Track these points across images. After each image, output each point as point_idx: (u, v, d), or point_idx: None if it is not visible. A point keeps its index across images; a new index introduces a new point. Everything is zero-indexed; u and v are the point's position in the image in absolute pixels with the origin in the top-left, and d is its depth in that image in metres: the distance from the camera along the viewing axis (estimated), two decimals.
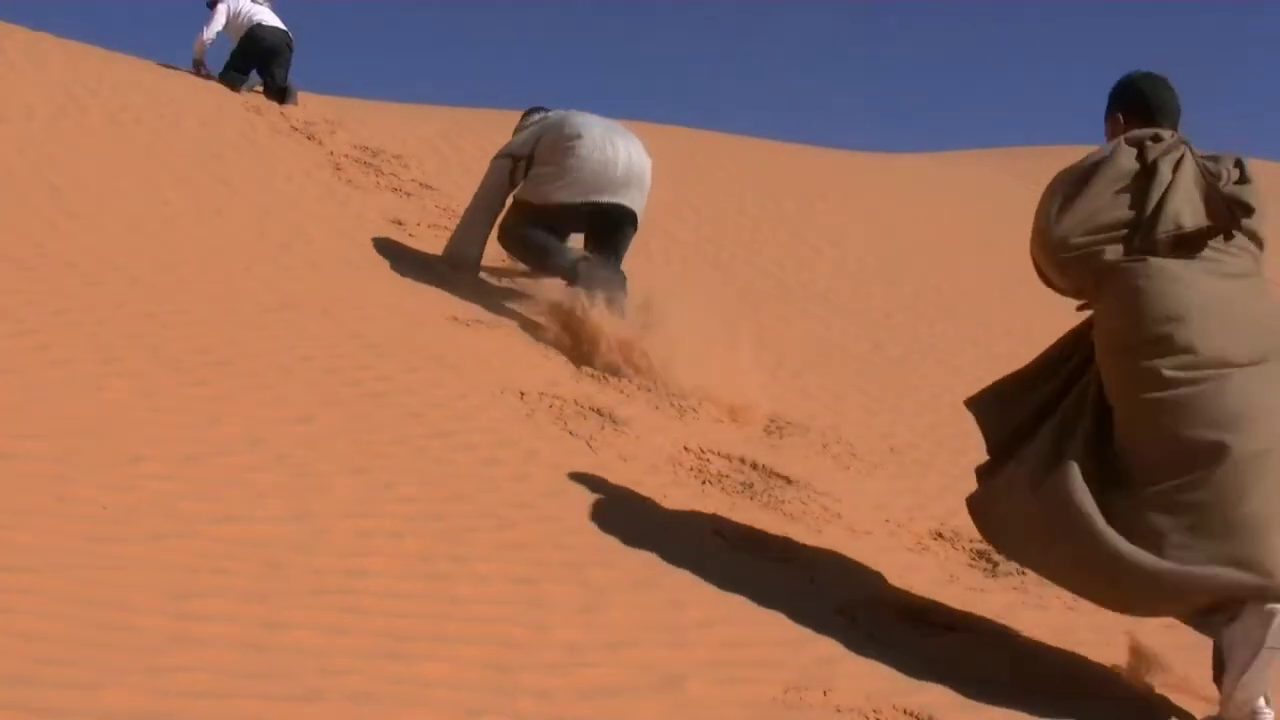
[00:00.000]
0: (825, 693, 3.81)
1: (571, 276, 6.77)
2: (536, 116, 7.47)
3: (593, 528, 4.64)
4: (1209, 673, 3.92)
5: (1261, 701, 3.71)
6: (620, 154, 6.96)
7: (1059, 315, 9.68)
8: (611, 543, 4.56)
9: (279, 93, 10.87)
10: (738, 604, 4.33)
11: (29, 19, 12.97)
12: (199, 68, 11.22)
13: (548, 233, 7.01)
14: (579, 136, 6.99)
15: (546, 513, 4.67)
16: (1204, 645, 3.94)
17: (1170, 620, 4.14)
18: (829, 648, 4.17)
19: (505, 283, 7.44)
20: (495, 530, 4.44)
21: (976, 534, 5.48)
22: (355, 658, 3.43)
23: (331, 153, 9.29)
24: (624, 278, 6.86)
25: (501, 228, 7.28)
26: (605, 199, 6.93)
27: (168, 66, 11.09)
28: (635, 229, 7.12)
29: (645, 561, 4.48)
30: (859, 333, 8.57)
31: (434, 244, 7.88)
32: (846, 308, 9.08)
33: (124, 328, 5.39)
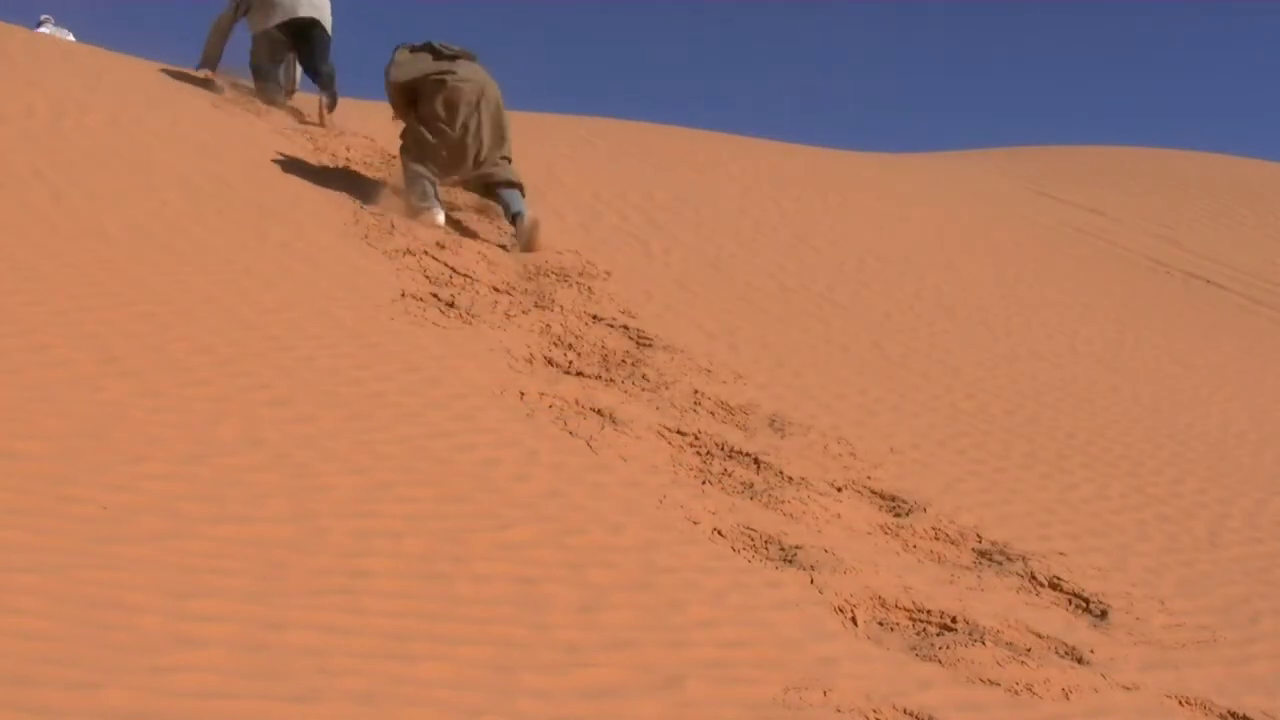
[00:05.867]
0: (825, 693, 3.81)
1: (276, 94, 10.08)
2: None
3: (593, 528, 4.64)
4: None
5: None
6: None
7: (1058, 314, 9.69)
8: (611, 543, 4.57)
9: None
10: (738, 604, 4.33)
11: (29, 19, 12.97)
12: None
13: (270, 61, 10.10)
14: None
15: (546, 513, 4.68)
16: None
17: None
18: (829, 648, 4.17)
19: (503, 283, 7.45)
20: (495, 530, 4.44)
21: (977, 534, 5.50)
22: (355, 658, 3.43)
23: (334, 154, 9.29)
24: (331, 70, 9.97)
25: (251, 66, 10.17)
26: (299, 15, 9.86)
27: (169, 66, 11.08)
28: (328, 35, 10.00)
29: (645, 561, 4.48)
30: (859, 333, 8.57)
31: (436, 242, 7.89)
32: (846, 308, 9.07)
33: (124, 328, 5.39)
